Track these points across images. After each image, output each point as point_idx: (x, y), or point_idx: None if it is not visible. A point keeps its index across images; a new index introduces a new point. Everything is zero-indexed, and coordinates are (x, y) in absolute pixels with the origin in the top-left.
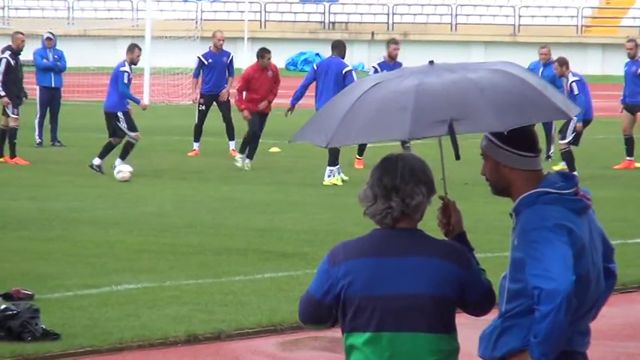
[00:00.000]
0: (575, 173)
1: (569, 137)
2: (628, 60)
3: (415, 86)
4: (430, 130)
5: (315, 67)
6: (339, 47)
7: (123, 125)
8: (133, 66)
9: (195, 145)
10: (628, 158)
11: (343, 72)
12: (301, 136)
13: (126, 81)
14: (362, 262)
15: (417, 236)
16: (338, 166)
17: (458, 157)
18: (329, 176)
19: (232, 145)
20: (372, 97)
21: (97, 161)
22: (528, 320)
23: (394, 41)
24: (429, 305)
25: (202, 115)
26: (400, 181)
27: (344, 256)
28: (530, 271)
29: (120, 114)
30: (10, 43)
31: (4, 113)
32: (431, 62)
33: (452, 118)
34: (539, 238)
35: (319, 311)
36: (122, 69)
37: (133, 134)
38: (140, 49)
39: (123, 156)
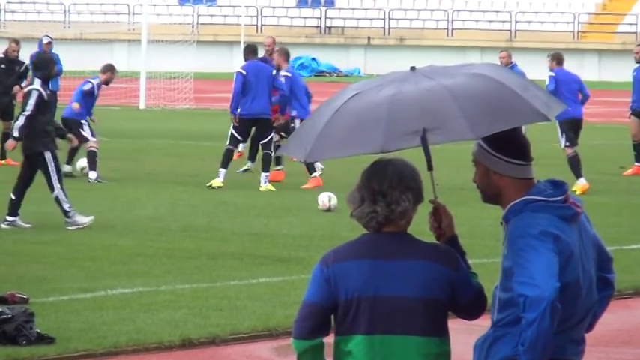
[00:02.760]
0: (565, 181)
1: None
2: (637, 65)
3: (390, 97)
4: (403, 142)
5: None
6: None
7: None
8: (104, 86)
9: None
10: (637, 164)
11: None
12: (285, 148)
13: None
14: (351, 264)
15: (405, 239)
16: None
17: (430, 168)
18: None
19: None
20: (350, 108)
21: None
22: (518, 329)
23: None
24: (419, 307)
25: None
26: (388, 187)
27: (334, 258)
28: (515, 278)
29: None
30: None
31: (3, 118)
32: (412, 68)
33: (424, 128)
34: (524, 245)
35: (319, 318)
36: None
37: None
38: (114, 73)
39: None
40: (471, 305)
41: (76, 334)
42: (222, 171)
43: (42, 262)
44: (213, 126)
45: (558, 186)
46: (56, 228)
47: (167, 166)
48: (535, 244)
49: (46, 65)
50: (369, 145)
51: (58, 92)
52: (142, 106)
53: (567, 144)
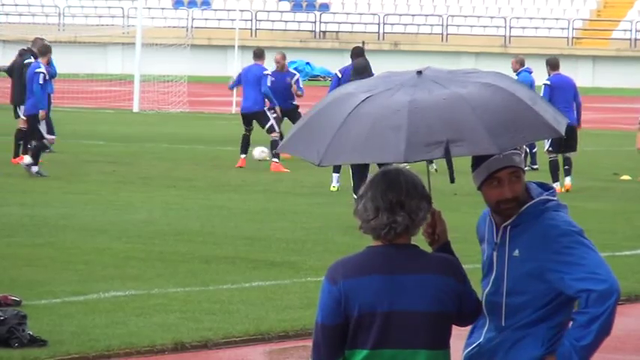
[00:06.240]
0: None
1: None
2: None
3: (408, 104)
4: (426, 153)
5: (340, 75)
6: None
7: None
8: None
9: None
10: None
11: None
12: (292, 148)
13: (41, 81)
14: (363, 279)
15: (416, 252)
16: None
17: (453, 180)
18: None
19: None
20: (364, 112)
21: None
22: (541, 329)
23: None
24: (431, 321)
25: None
26: (405, 197)
27: (344, 274)
28: (570, 276)
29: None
30: (31, 47)
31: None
32: (419, 72)
33: (448, 140)
34: (572, 243)
35: (336, 339)
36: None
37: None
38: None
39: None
40: (472, 314)
41: (69, 337)
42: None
43: (35, 265)
44: (207, 130)
45: (550, 187)
46: (49, 231)
47: (161, 170)
48: (583, 241)
49: (364, 71)
50: (391, 154)
51: (52, 95)
52: (135, 109)
53: (550, 149)
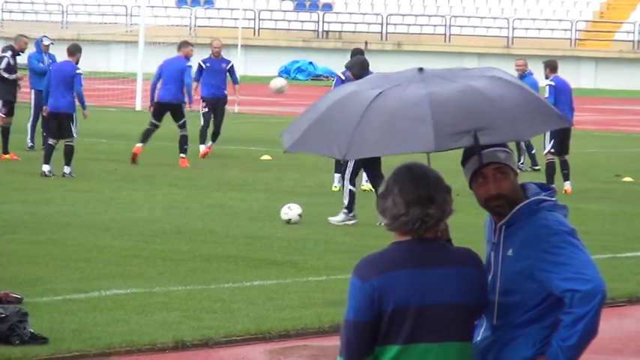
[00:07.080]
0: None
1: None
2: None
3: (426, 96)
4: (455, 142)
5: (343, 77)
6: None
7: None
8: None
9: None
10: None
11: None
12: (304, 146)
13: (82, 83)
14: (395, 274)
15: (441, 246)
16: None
17: (481, 167)
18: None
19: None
20: (381, 107)
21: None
22: (534, 329)
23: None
24: (460, 314)
25: None
26: (434, 191)
27: (376, 269)
28: (557, 275)
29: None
30: (12, 44)
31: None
32: (420, 69)
33: (475, 128)
34: (561, 242)
35: (368, 337)
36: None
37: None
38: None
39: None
40: (483, 308)
41: (70, 335)
42: None
43: (36, 263)
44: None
45: (549, 188)
46: (51, 229)
47: (163, 169)
48: (572, 241)
49: (365, 69)
50: (420, 143)
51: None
52: (138, 107)
53: (552, 150)
